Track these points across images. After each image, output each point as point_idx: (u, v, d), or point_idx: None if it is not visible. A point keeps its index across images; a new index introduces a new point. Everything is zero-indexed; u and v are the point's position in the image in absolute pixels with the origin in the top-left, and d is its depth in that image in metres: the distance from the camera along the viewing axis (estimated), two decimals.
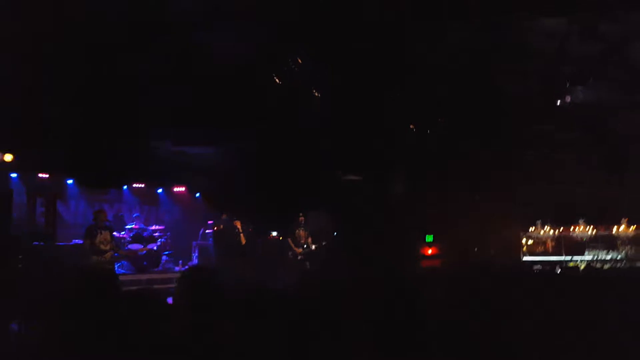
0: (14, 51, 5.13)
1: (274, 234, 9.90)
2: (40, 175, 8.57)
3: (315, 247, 9.09)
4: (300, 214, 9.19)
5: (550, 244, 9.79)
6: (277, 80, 5.88)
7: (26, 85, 5.67)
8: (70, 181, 9.54)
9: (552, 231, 9.76)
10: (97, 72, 5.68)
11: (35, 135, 7.21)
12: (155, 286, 7.94)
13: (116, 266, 8.12)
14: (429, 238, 9.59)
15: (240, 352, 1.92)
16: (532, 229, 9.84)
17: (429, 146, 8.04)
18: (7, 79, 5.44)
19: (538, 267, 8.89)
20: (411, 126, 7.71)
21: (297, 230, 9.13)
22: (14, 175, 8.46)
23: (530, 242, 9.89)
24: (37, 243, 7.71)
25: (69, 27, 4.93)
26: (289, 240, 9.13)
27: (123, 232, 9.59)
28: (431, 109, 7.37)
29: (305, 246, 9.07)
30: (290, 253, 9.04)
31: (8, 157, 7.57)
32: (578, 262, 9.13)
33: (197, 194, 11.16)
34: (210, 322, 1.95)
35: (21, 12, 4.69)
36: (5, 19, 4.68)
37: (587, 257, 9.32)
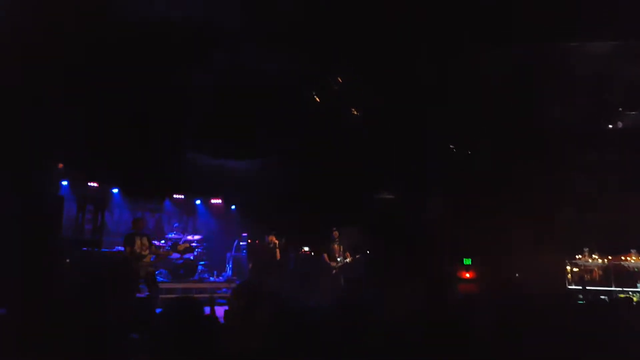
0: (69, 66, 5.43)
1: (306, 248, 9.92)
2: (89, 184, 8.99)
3: (351, 259, 9.06)
4: (334, 229, 9.20)
5: (597, 273, 9.22)
6: (316, 98, 5.96)
7: (78, 100, 6.02)
8: (115, 190, 9.97)
9: (600, 260, 9.21)
10: (143, 89, 5.95)
11: (85, 147, 7.63)
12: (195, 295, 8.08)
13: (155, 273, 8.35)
14: (467, 261, 9.30)
15: None
16: (578, 256, 9.32)
17: (469, 167, 7.86)
18: (61, 94, 5.79)
19: (581, 296, 8.39)
20: (451, 146, 7.58)
21: (332, 245, 9.14)
22: (64, 183, 8.92)
23: (575, 270, 9.36)
24: (84, 249, 8.06)
25: (117, 43, 5.20)
26: (325, 255, 9.13)
27: (163, 241, 9.87)
28: (473, 130, 7.22)
29: (339, 259, 9.06)
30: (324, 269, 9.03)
31: (60, 166, 8.06)
32: (630, 294, 8.53)
33: (233, 207, 11.40)
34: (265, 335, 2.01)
35: (73, 24, 4.91)
36: (56, 32, 4.93)
37: None
